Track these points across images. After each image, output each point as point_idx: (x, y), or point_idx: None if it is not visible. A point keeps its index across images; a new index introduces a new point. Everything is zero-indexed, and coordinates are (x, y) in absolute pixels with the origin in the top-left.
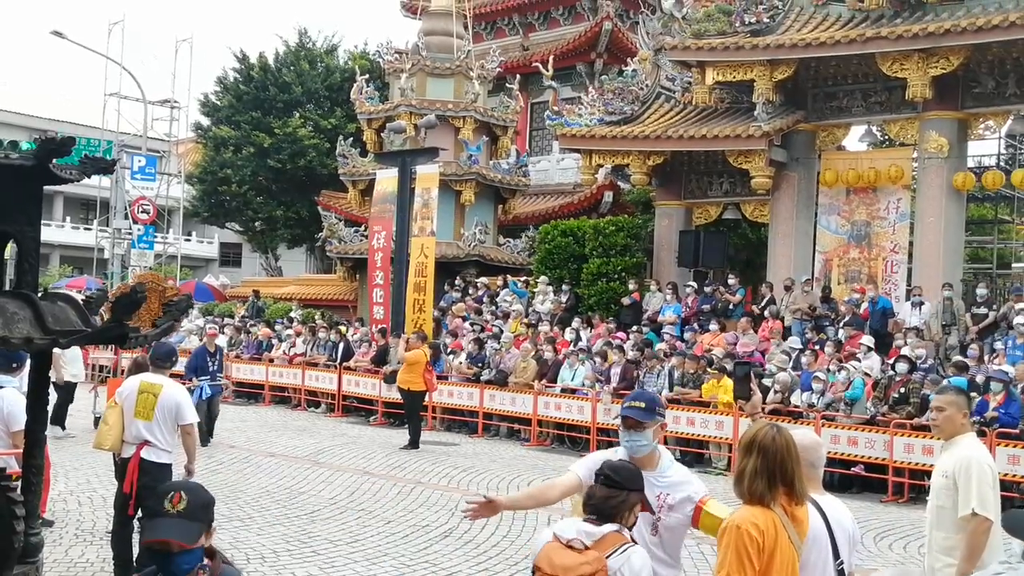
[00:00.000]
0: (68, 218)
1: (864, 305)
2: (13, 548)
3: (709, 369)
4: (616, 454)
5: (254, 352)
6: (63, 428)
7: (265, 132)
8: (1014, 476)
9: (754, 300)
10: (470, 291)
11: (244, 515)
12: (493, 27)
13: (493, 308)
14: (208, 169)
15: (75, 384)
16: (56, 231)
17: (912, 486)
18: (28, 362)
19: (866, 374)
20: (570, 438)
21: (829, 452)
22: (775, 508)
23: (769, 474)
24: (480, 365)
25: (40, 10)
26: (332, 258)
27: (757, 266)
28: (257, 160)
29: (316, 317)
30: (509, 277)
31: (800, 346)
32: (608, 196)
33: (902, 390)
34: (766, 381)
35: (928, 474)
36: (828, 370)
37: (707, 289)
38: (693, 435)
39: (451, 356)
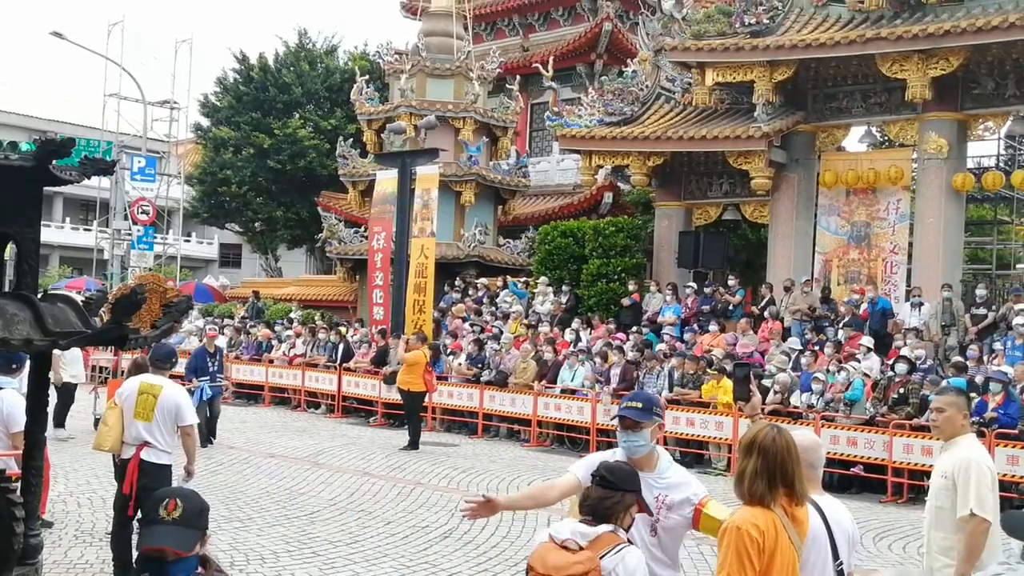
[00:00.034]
0: (68, 219)
1: (864, 306)
2: (13, 550)
3: (709, 370)
4: (615, 455)
5: (254, 353)
6: (64, 429)
7: (265, 133)
8: (1013, 476)
9: (754, 301)
10: (470, 292)
11: (244, 516)
12: (493, 28)
13: (493, 309)
14: (208, 170)
15: (75, 385)
16: (56, 232)
17: (911, 486)
18: (28, 363)
19: (865, 375)
20: (570, 439)
21: (828, 452)
22: (775, 509)
23: (769, 475)
24: (480, 366)
25: (40, 10)
26: (332, 259)
27: (757, 267)
28: (257, 161)
29: (316, 318)
30: (509, 278)
31: (800, 347)
32: (608, 197)
33: (901, 391)
34: (766, 382)
35: (927, 475)
36: (828, 371)
37: (707, 290)
38: (693, 436)
39: (451, 357)
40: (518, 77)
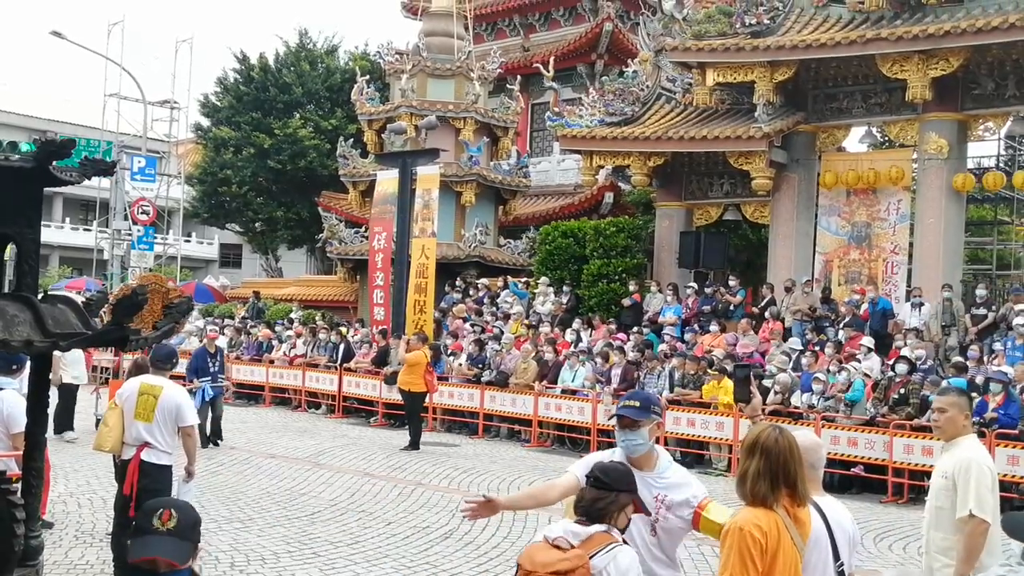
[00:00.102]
0: (68, 219)
1: (864, 306)
2: (13, 551)
3: (710, 370)
4: (615, 455)
5: (254, 353)
6: (72, 430)
7: (265, 133)
8: (1013, 477)
9: (754, 301)
10: (471, 292)
11: (244, 517)
12: (494, 28)
13: (494, 309)
14: (208, 170)
15: (76, 387)
16: (55, 232)
17: (912, 487)
18: (28, 364)
19: (866, 375)
20: (570, 439)
21: (829, 453)
22: (778, 509)
23: (772, 476)
24: (481, 366)
25: (40, 10)
26: (332, 259)
27: (758, 267)
28: (257, 161)
29: (316, 318)
30: (510, 278)
31: (800, 347)
32: (609, 197)
33: (902, 391)
34: (766, 382)
35: (928, 475)
36: (828, 371)
37: (707, 290)
38: (693, 436)
39: (451, 357)
40: (519, 77)
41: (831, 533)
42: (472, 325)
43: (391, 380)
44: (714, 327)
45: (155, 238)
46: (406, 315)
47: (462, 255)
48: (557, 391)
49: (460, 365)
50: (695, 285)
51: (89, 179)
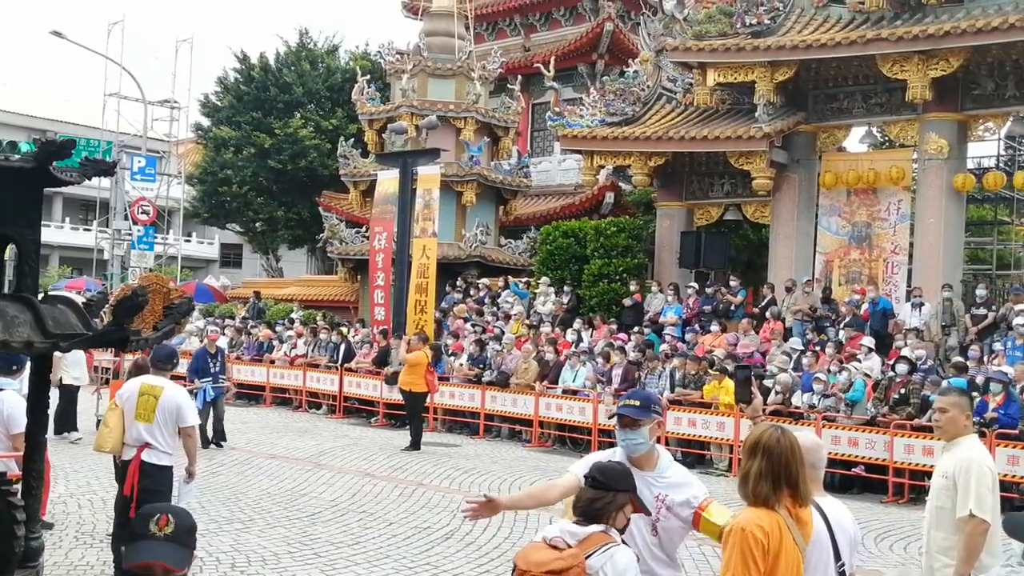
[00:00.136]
0: (67, 219)
1: (864, 306)
2: (14, 553)
3: (710, 370)
4: (615, 454)
5: (255, 353)
6: (76, 430)
7: (266, 133)
8: (1013, 477)
9: (755, 301)
10: (471, 292)
11: (245, 517)
12: (494, 28)
13: (494, 309)
14: (208, 170)
15: (77, 388)
16: (55, 232)
17: (912, 487)
18: (28, 365)
19: (866, 375)
20: (571, 439)
21: (830, 453)
22: (780, 510)
23: (774, 476)
24: (481, 366)
25: (40, 10)
26: (333, 259)
27: (758, 267)
28: (258, 161)
29: (317, 318)
30: (510, 278)
31: (801, 347)
32: (609, 197)
33: (902, 391)
34: (767, 382)
35: (928, 475)
36: (829, 371)
37: (708, 290)
38: (694, 436)
39: (452, 357)
40: (519, 77)
41: (832, 533)
42: (473, 325)
43: (392, 380)
44: (715, 327)
45: (155, 238)
46: (407, 315)
47: (463, 255)
48: (558, 391)
49: (461, 365)
50: (696, 285)
51: (89, 179)
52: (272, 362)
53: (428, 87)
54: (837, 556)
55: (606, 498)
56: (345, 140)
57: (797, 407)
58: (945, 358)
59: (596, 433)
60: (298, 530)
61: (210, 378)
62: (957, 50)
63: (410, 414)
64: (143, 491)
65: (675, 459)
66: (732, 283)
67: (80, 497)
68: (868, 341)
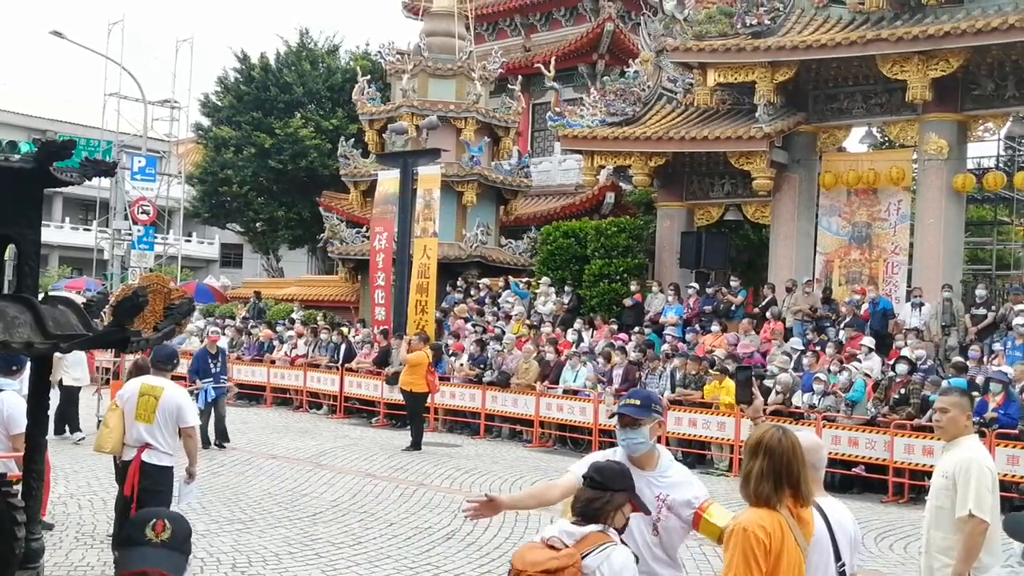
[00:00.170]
0: (67, 219)
1: (865, 306)
2: (14, 554)
3: (711, 370)
4: (616, 454)
5: (255, 353)
6: (79, 430)
7: (266, 133)
8: (1013, 476)
9: (755, 301)
10: (472, 292)
11: (246, 517)
12: (495, 28)
13: (495, 309)
14: (208, 170)
15: (78, 388)
16: (55, 232)
17: (912, 486)
18: (28, 365)
19: (867, 375)
20: (572, 439)
21: (830, 453)
22: (781, 510)
23: (775, 476)
24: (482, 366)
25: (40, 10)
26: (334, 259)
27: (759, 267)
28: (258, 161)
29: (318, 318)
30: (511, 278)
31: (801, 347)
32: (610, 197)
33: (902, 391)
34: (767, 382)
35: (928, 475)
36: (829, 371)
37: (709, 290)
38: (695, 436)
39: (453, 357)
40: (520, 77)
41: (832, 534)
42: (473, 325)
43: (393, 380)
44: (715, 327)
45: (155, 238)
46: (407, 315)
47: (463, 255)
48: (559, 391)
49: (461, 365)
50: (696, 285)
51: (90, 180)
52: (272, 362)
53: (428, 87)
54: (837, 556)
55: (603, 498)
56: (345, 140)
57: (797, 407)
58: (945, 358)
59: (597, 433)
60: (299, 530)
61: (211, 379)
62: (957, 50)
63: (411, 414)
64: (143, 492)
65: (675, 459)
66: (732, 283)
67: (80, 498)
68: (868, 341)
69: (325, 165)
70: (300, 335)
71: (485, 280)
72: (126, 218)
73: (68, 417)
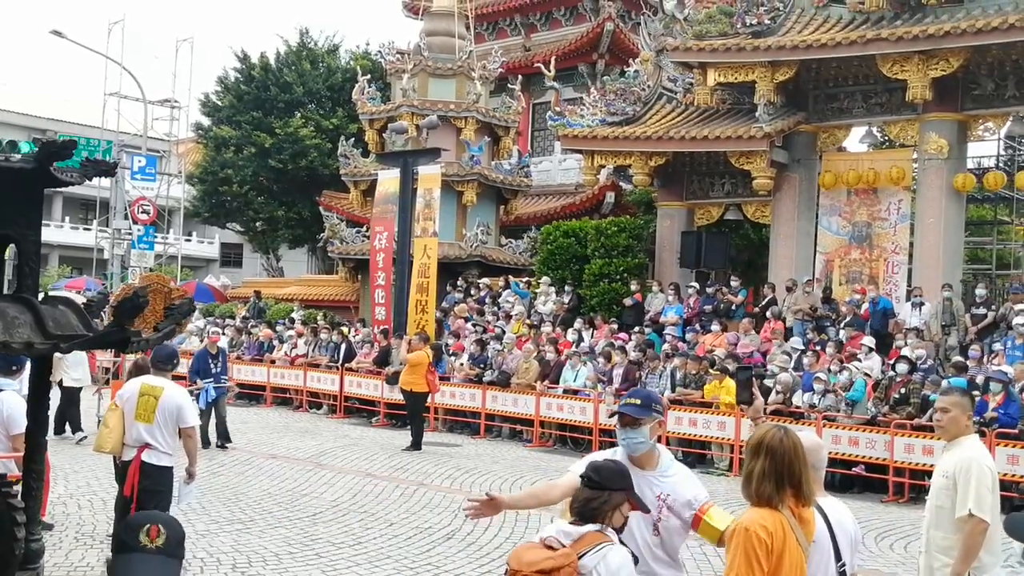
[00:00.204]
0: (67, 218)
1: (865, 306)
2: (14, 555)
3: (711, 370)
4: (616, 453)
5: (255, 353)
6: (81, 430)
7: (266, 132)
8: (1013, 476)
9: (756, 301)
10: (472, 292)
11: (246, 517)
12: (495, 28)
13: (495, 309)
14: (209, 169)
15: (79, 389)
16: (55, 231)
17: (912, 486)
18: (28, 365)
19: (867, 375)
20: (572, 439)
21: (830, 452)
22: (783, 510)
23: (777, 476)
24: (482, 366)
25: (40, 10)
26: (334, 259)
27: (759, 267)
28: (258, 160)
29: (318, 318)
30: (511, 278)
31: (802, 347)
32: (610, 197)
33: (903, 390)
34: (768, 382)
35: (928, 474)
36: (829, 371)
37: (709, 290)
38: (695, 436)
39: (453, 357)
40: (520, 77)
41: (832, 534)
42: (474, 325)
43: (393, 380)
44: (715, 327)
45: (155, 237)
46: (408, 315)
47: (463, 255)
48: (559, 391)
49: (462, 365)
50: (696, 285)
51: (90, 180)
52: (273, 362)
53: (429, 87)
54: (838, 556)
55: (601, 497)
56: (346, 140)
57: (798, 407)
58: (945, 358)
59: (597, 433)
60: (299, 530)
61: (212, 379)
62: (957, 50)
63: (411, 414)
64: (143, 492)
65: (676, 459)
66: (733, 283)
67: (80, 498)
68: (868, 341)
69: (325, 165)
70: (300, 335)
71: (485, 280)
72: (126, 218)
73: (70, 417)
